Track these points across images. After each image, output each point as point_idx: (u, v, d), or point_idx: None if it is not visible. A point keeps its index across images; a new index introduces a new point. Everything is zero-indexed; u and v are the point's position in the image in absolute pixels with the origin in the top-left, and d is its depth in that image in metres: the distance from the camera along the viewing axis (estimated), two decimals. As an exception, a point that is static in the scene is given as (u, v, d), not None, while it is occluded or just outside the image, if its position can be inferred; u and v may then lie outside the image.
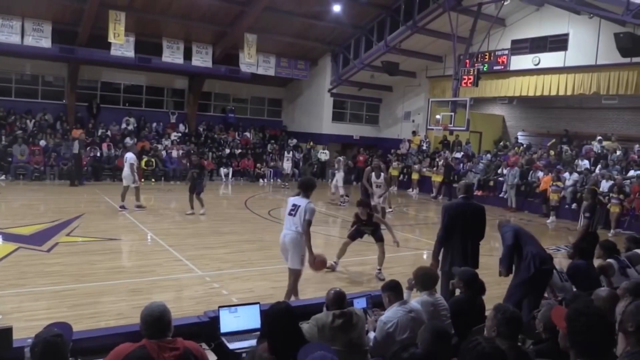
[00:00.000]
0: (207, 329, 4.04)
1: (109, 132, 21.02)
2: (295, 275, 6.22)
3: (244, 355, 3.66)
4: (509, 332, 3.00)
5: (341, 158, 18.58)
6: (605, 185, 15.17)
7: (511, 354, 2.91)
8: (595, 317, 2.38)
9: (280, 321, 3.14)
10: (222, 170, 21.40)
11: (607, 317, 2.44)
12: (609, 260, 5.89)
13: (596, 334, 2.35)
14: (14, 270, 7.50)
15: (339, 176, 17.09)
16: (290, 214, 6.13)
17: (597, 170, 16.43)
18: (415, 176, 20.81)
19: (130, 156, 13.30)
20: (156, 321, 2.78)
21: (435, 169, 20.16)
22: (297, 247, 6.08)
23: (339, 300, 3.80)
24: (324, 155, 23.81)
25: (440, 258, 5.92)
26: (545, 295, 5.49)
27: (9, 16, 17.65)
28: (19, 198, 14.38)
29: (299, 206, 6.07)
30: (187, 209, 13.09)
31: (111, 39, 18.21)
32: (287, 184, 20.71)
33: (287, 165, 20.91)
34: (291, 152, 21.68)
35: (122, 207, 13.02)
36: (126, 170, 13.12)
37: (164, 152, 20.66)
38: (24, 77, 21.20)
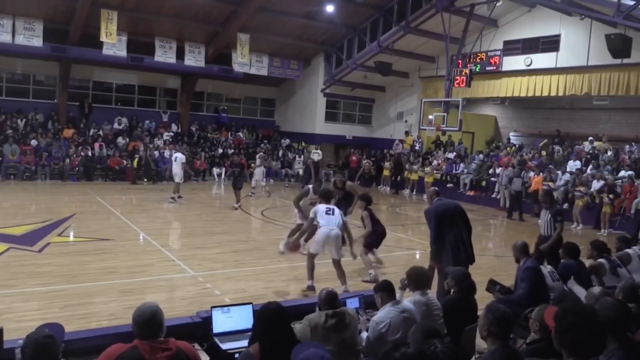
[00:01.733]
0: (199, 329, 4.03)
1: (101, 132, 20.92)
2: (339, 262, 7.20)
3: (236, 355, 3.65)
4: (499, 332, 3.01)
5: (262, 153, 18.63)
6: (596, 185, 15.28)
7: (502, 353, 2.92)
8: (582, 315, 2.34)
9: (271, 322, 3.12)
10: (215, 170, 21.34)
11: (596, 316, 2.38)
12: (600, 260, 5.94)
13: (584, 332, 2.30)
14: (5, 271, 7.45)
15: (259, 171, 17.28)
16: (327, 214, 7.12)
17: (588, 170, 16.54)
18: (413, 176, 20.89)
19: (180, 156, 15.05)
20: (148, 322, 2.77)
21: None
22: (340, 241, 7.19)
23: (331, 300, 3.79)
24: (316, 155, 23.76)
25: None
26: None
27: (0, 15, 17.52)
28: (10, 198, 14.27)
29: (334, 208, 7.24)
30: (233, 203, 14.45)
31: (103, 38, 18.12)
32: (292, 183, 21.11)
33: (298, 167, 21.34)
34: (302, 156, 21.87)
35: (173, 198, 14.73)
36: (176, 169, 14.76)
37: (156, 152, 20.57)
38: (15, 76, 21.05)
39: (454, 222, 6.18)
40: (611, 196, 14.22)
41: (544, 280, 5.33)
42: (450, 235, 6.12)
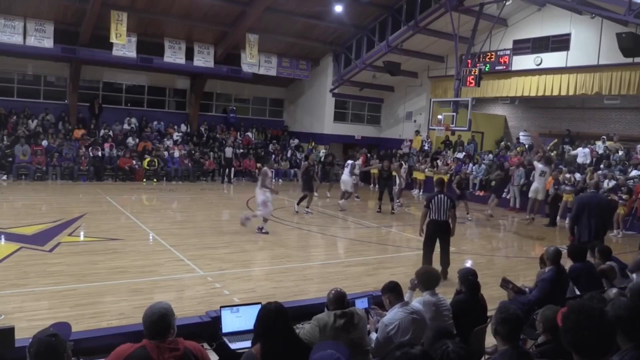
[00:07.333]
0: (208, 329, 4.05)
1: (111, 132, 21.05)
2: None
3: (245, 355, 3.66)
4: (505, 333, 2.98)
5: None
6: (607, 186, 15.12)
7: (512, 355, 2.90)
8: (585, 315, 2.28)
9: (270, 322, 3.12)
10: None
11: (601, 316, 2.31)
12: (609, 262, 5.88)
13: (585, 332, 2.24)
14: (16, 270, 7.51)
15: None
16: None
17: (599, 171, 16.39)
18: (421, 176, 20.86)
19: (351, 162, 17.19)
20: (156, 322, 2.78)
21: (435, 169, 20.28)
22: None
23: (339, 300, 3.78)
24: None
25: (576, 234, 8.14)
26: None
27: (11, 16, 17.68)
28: (21, 198, 14.40)
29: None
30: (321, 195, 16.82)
31: (113, 39, 18.23)
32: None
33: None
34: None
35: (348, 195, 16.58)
36: (345, 176, 16.30)
37: (165, 152, 20.67)
38: (26, 77, 21.21)
39: (592, 212, 7.89)
40: (625, 197, 14.02)
41: (558, 290, 5.25)
42: (584, 221, 7.91)
